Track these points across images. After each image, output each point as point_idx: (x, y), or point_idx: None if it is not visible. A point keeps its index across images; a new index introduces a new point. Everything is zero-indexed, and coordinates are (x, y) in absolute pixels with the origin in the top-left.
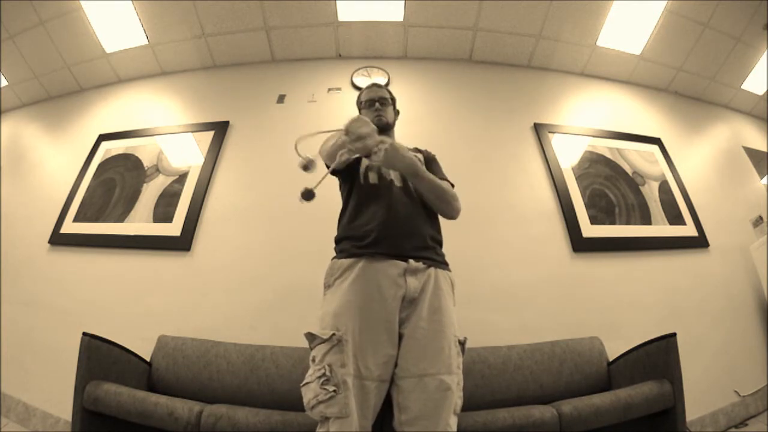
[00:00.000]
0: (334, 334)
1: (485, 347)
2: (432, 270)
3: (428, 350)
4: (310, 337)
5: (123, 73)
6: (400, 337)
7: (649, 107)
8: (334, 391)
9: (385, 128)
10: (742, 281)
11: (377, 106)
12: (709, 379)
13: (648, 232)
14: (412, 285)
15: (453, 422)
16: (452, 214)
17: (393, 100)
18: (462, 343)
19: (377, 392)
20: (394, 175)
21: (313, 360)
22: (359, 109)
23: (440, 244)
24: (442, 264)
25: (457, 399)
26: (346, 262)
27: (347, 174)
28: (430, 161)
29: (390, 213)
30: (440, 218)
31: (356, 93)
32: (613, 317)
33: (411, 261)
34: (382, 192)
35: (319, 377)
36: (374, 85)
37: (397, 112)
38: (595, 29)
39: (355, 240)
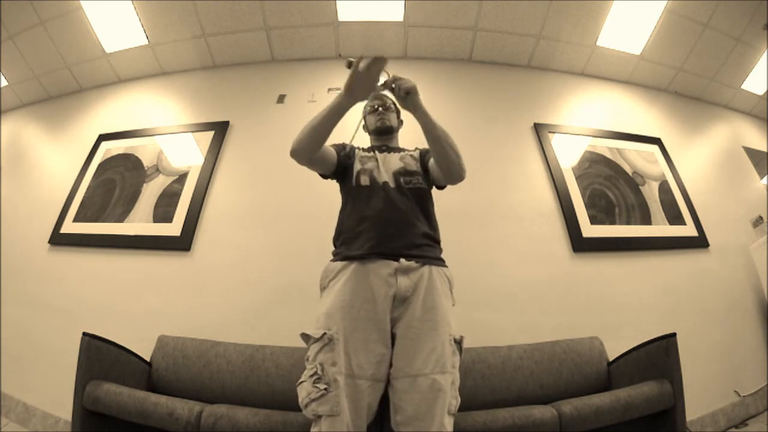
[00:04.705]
0: (325, 334)
1: (485, 347)
2: (426, 268)
3: (421, 350)
4: (305, 337)
5: (123, 73)
6: (394, 336)
7: (649, 107)
8: (325, 389)
9: (388, 131)
10: (742, 281)
11: (380, 110)
12: (709, 379)
13: (648, 232)
14: (403, 284)
15: (448, 422)
16: (461, 170)
17: (397, 109)
18: (458, 342)
19: (371, 391)
20: (386, 176)
21: (307, 359)
22: (364, 117)
23: (436, 241)
24: (438, 261)
25: (451, 399)
26: (340, 264)
27: (343, 177)
28: (427, 151)
29: (381, 213)
30: (437, 216)
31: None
32: (613, 317)
33: (402, 260)
34: (375, 193)
35: (311, 376)
36: (379, 94)
37: (401, 122)
38: (595, 29)
39: (349, 242)
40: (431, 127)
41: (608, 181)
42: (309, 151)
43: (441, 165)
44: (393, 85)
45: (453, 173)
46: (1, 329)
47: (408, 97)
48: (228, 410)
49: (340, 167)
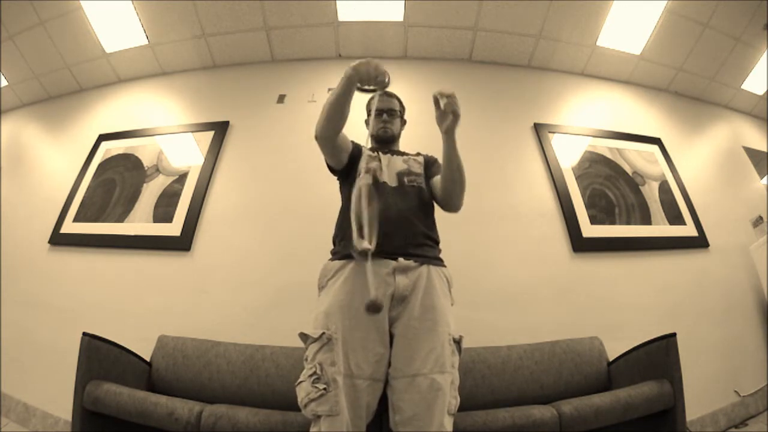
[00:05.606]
0: (323, 333)
1: (485, 347)
2: (424, 267)
3: (420, 349)
4: (304, 337)
5: (123, 73)
6: (392, 336)
7: (649, 107)
8: (324, 389)
9: (390, 140)
10: (742, 281)
11: (385, 117)
12: (709, 379)
13: (648, 232)
14: (401, 283)
15: (447, 422)
16: (460, 203)
17: (402, 110)
18: (457, 342)
19: (370, 391)
20: (387, 177)
21: (306, 359)
22: (368, 113)
23: (435, 241)
24: (436, 260)
25: (450, 399)
26: (339, 263)
27: (345, 176)
28: (431, 163)
29: (381, 213)
30: (436, 216)
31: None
32: (613, 317)
33: (401, 259)
34: (376, 192)
35: (310, 375)
36: (386, 94)
37: (404, 122)
38: (595, 29)
39: (347, 240)
40: (455, 154)
41: (608, 181)
42: (333, 131)
43: (446, 191)
44: (446, 99)
45: (453, 202)
46: (1, 329)
47: (451, 117)
48: (228, 410)
49: (352, 160)
